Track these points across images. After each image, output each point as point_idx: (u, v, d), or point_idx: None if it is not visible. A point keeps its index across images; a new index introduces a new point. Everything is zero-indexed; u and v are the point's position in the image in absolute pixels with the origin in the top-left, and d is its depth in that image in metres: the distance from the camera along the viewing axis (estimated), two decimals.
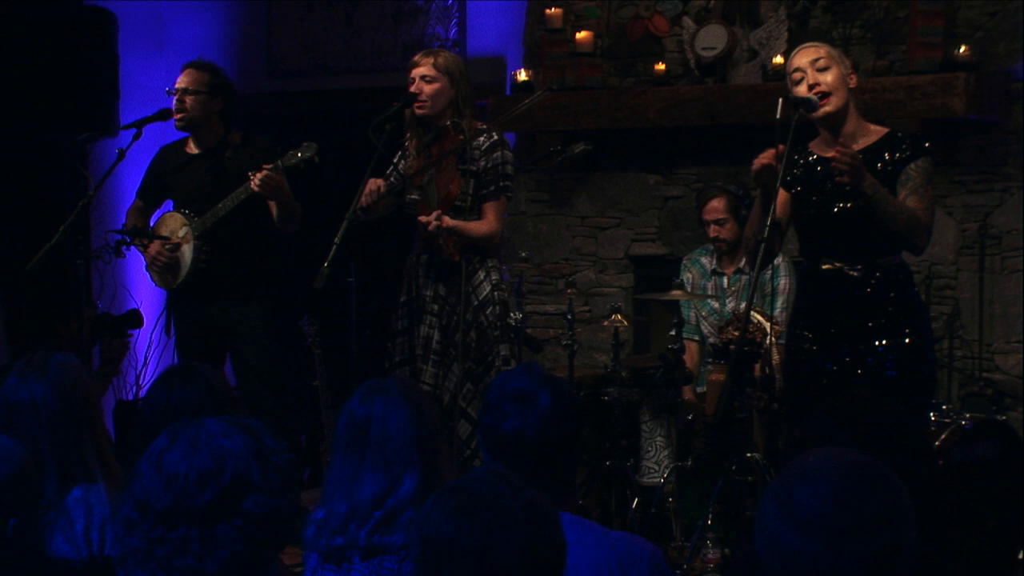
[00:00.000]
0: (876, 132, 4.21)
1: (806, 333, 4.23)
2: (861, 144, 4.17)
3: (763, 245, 3.97)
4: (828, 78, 4.12)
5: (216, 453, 1.93)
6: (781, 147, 3.99)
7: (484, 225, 4.79)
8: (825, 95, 4.11)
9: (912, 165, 4.11)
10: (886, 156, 4.13)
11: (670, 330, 5.31)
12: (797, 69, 4.16)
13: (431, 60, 4.82)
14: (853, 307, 4.14)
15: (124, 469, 3.17)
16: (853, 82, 4.18)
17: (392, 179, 4.94)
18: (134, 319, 6.77)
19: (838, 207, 4.12)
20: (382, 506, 2.73)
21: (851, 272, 4.13)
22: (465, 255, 4.75)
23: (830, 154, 4.00)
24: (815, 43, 4.30)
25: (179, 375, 3.15)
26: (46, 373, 3.03)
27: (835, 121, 4.17)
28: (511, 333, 4.90)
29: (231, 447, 1.94)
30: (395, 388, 2.83)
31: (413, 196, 4.88)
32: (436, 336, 4.81)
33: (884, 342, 4.10)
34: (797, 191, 4.23)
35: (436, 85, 4.78)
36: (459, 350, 4.76)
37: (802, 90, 4.14)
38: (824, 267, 4.19)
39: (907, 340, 4.11)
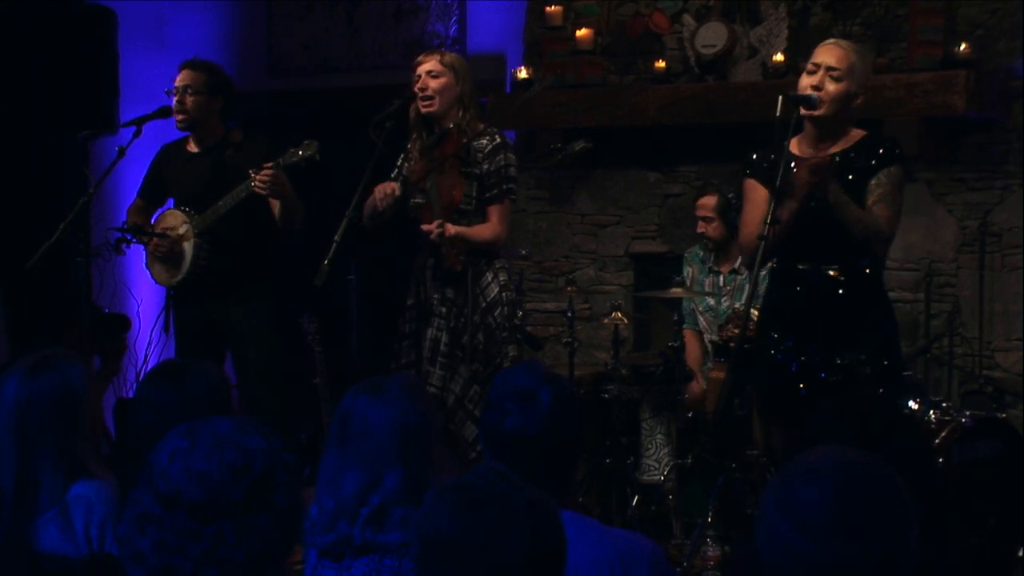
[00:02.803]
0: (854, 136, 4.19)
1: (776, 332, 4.23)
2: (839, 147, 4.17)
3: (763, 243, 3.98)
4: (832, 88, 4.09)
5: (243, 450, 1.93)
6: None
7: (488, 229, 4.78)
8: (821, 100, 4.09)
9: (883, 172, 4.09)
10: (859, 160, 4.12)
11: (671, 328, 5.32)
12: (814, 63, 4.14)
13: (436, 57, 4.82)
14: (828, 306, 4.14)
15: (123, 466, 3.18)
16: (858, 102, 4.14)
17: (399, 182, 4.94)
18: (123, 322, 6.79)
19: (816, 206, 4.11)
20: (367, 503, 2.72)
21: (828, 271, 4.14)
22: (471, 259, 4.74)
23: (808, 157, 4.02)
24: (845, 48, 4.18)
25: (170, 372, 3.15)
26: (47, 372, 3.03)
27: (819, 121, 4.15)
28: (517, 334, 4.89)
29: (254, 444, 1.95)
30: (385, 387, 2.82)
31: (417, 200, 4.86)
32: (444, 339, 4.79)
33: (857, 342, 4.11)
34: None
35: (443, 80, 4.77)
36: (466, 352, 4.75)
37: (805, 83, 4.12)
38: (800, 266, 4.19)
39: (877, 340, 4.13)
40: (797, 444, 2.62)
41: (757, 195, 4.23)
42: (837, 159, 4.11)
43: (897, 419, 2.48)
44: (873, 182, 4.09)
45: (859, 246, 4.09)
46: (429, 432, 2.83)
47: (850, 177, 4.09)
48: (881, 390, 4.06)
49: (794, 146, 4.23)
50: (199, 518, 1.90)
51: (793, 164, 4.11)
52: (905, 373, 4.66)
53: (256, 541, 1.91)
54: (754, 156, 4.28)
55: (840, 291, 4.14)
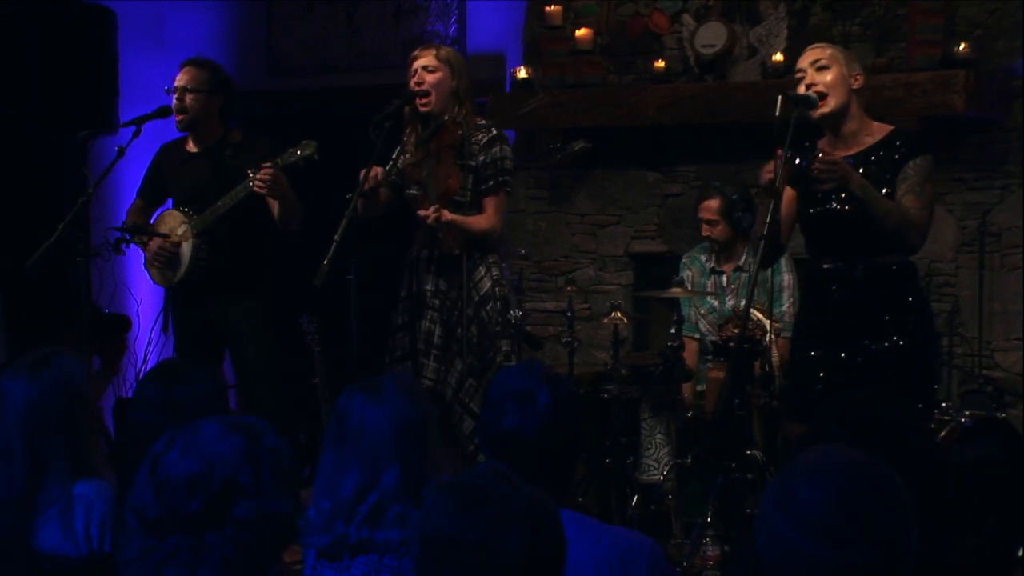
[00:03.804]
0: (880, 130, 4.23)
1: (810, 331, 4.26)
2: (865, 144, 4.19)
3: (763, 242, 4.00)
4: (826, 78, 4.14)
5: (206, 458, 1.91)
6: (779, 151, 4.02)
7: (484, 220, 4.80)
8: (822, 95, 4.13)
9: (911, 163, 4.13)
10: (888, 154, 4.15)
11: (670, 328, 5.32)
12: (799, 70, 4.22)
13: (432, 52, 4.84)
14: (854, 305, 4.15)
15: (120, 465, 3.18)
16: (858, 83, 4.19)
17: (392, 174, 4.95)
18: (123, 322, 6.78)
19: (840, 206, 4.13)
20: (364, 501, 2.72)
21: (852, 270, 4.15)
22: (466, 250, 4.76)
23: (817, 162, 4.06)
24: (822, 44, 4.34)
25: (168, 372, 3.15)
26: (53, 370, 3.03)
27: (834, 121, 4.19)
28: (511, 329, 4.90)
29: (221, 451, 1.92)
30: (381, 385, 2.82)
31: (412, 191, 4.88)
32: (437, 331, 4.82)
33: (884, 340, 4.12)
34: (801, 189, 4.23)
35: (438, 75, 4.79)
36: (461, 345, 4.77)
37: (803, 90, 4.17)
38: (826, 265, 4.21)
39: (907, 339, 4.13)
40: (801, 444, 2.62)
41: (789, 199, 4.25)
42: (841, 161, 4.11)
43: (900, 418, 2.48)
44: (901, 175, 4.13)
45: (891, 239, 4.11)
46: (426, 429, 2.83)
47: (880, 170, 4.12)
48: (908, 389, 4.06)
49: (823, 147, 4.26)
50: (157, 532, 1.89)
51: (800, 160, 4.13)
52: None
53: (214, 557, 1.89)
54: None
55: (864, 289, 4.15)
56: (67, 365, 3.05)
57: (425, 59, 4.81)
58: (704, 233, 5.70)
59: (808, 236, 4.30)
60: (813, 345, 4.24)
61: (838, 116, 4.17)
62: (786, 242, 4.37)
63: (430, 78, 4.79)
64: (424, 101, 4.79)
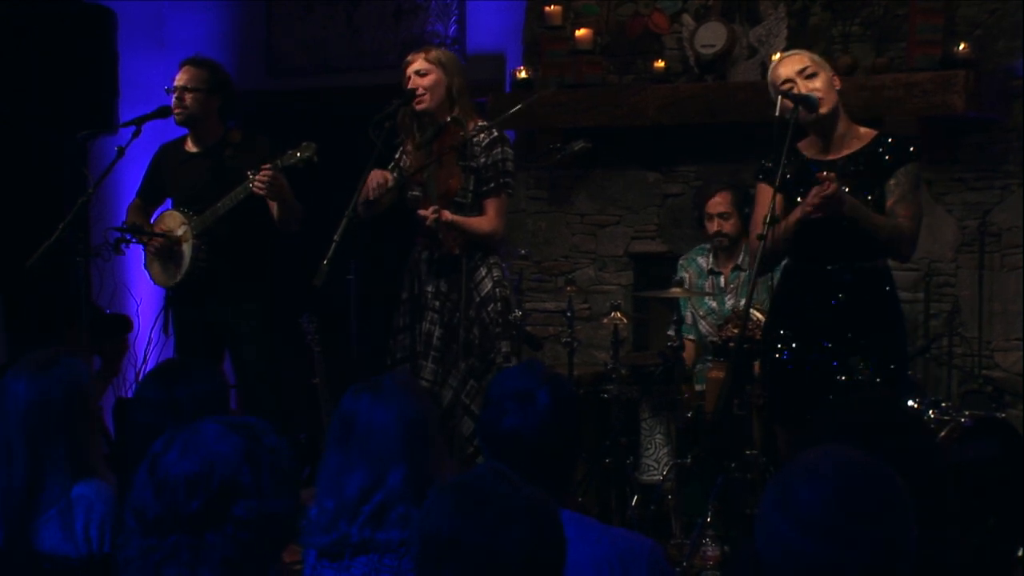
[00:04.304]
0: (866, 135, 4.23)
1: (785, 331, 4.25)
2: (852, 147, 4.20)
3: (763, 242, 4.00)
4: (817, 84, 4.15)
5: (205, 458, 1.91)
6: (826, 174, 4.00)
7: (485, 221, 4.80)
8: (821, 100, 4.13)
9: (901, 170, 4.14)
10: (874, 160, 4.15)
11: (669, 328, 5.32)
12: (786, 80, 4.17)
13: (422, 55, 4.87)
14: (837, 308, 4.16)
15: (120, 465, 3.18)
16: (838, 84, 4.21)
17: (394, 175, 4.95)
18: (124, 323, 6.79)
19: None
20: (369, 501, 2.73)
21: (837, 274, 4.16)
22: (467, 252, 4.76)
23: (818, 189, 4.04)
24: (797, 51, 4.35)
25: (168, 372, 3.15)
26: (56, 370, 3.03)
27: (826, 124, 4.19)
28: (512, 330, 4.90)
29: (221, 451, 1.93)
30: (385, 385, 2.83)
31: (414, 193, 4.89)
32: (437, 332, 4.82)
33: (863, 344, 4.13)
34: (788, 194, 4.23)
35: (431, 76, 4.81)
36: (462, 347, 4.77)
37: (789, 102, 4.15)
38: (811, 268, 4.20)
39: (885, 343, 4.15)
40: (799, 444, 2.62)
41: (768, 198, 4.25)
42: (836, 188, 4.09)
43: (900, 419, 2.48)
44: (892, 181, 4.13)
45: (882, 249, 4.12)
46: (429, 426, 2.84)
47: (868, 175, 4.11)
48: (885, 391, 4.08)
49: (805, 149, 4.25)
50: (157, 532, 1.89)
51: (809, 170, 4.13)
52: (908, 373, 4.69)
53: (214, 557, 1.89)
54: (768, 163, 4.30)
55: (849, 293, 4.16)
56: (70, 365, 3.06)
57: (416, 63, 4.84)
58: (714, 229, 5.66)
59: (793, 239, 4.29)
60: (789, 346, 4.24)
61: (833, 118, 4.18)
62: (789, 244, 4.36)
63: (423, 81, 4.81)
64: (419, 100, 4.80)
